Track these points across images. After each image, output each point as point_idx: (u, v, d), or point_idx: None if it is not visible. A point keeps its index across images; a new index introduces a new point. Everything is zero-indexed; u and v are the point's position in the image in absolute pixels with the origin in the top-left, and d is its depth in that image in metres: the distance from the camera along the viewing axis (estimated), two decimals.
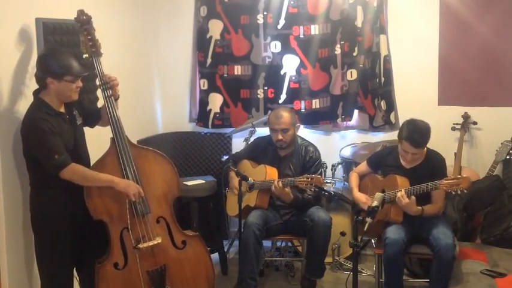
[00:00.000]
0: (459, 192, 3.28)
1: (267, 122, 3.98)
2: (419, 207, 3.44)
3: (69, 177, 2.85)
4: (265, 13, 4.71)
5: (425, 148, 3.58)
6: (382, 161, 3.74)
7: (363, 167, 3.86)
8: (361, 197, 3.70)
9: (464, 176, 3.25)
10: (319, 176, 3.63)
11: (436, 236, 3.35)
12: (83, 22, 3.05)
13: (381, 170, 3.76)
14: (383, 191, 3.51)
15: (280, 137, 3.83)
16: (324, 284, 4.06)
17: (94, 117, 3.21)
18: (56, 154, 2.79)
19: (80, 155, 3.03)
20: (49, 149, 2.79)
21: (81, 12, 3.05)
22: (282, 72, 4.78)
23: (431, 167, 3.53)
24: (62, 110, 2.96)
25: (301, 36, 4.70)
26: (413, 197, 3.39)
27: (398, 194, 3.39)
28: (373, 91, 4.70)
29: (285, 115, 3.83)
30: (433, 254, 3.36)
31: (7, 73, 2.89)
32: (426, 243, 3.45)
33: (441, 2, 4.52)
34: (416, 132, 3.45)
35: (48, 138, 2.79)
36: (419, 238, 3.50)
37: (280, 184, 3.66)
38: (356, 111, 4.78)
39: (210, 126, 4.93)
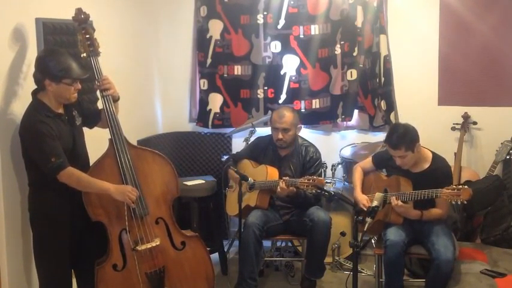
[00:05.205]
0: (459, 202, 3.26)
1: (270, 121, 3.97)
2: (418, 212, 3.40)
3: (65, 180, 2.84)
4: (265, 13, 4.71)
5: (431, 153, 3.52)
6: (387, 162, 3.66)
7: (368, 163, 3.78)
8: (362, 199, 3.61)
9: (466, 187, 3.20)
10: (321, 178, 3.62)
11: (436, 248, 3.30)
12: (81, 21, 3.03)
13: (386, 169, 3.71)
14: (385, 191, 3.49)
15: (280, 136, 3.82)
16: (324, 284, 4.06)
17: (93, 118, 3.20)
18: (53, 157, 2.78)
19: (79, 155, 3.03)
20: (47, 152, 2.78)
21: (79, 11, 3.03)
22: (282, 72, 4.77)
23: (436, 174, 3.45)
24: (61, 110, 2.95)
25: (301, 36, 4.69)
26: (409, 202, 3.36)
27: (393, 200, 3.36)
28: (373, 91, 4.69)
29: (288, 115, 3.82)
30: (432, 263, 3.32)
31: (2, 73, 2.87)
32: (426, 248, 3.43)
33: (441, 2, 4.51)
34: (393, 134, 3.39)
35: (47, 141, 2.78)
36: (419, 240, 3.48)
37: (285, 185, 3.64)
38: (356, 111, 4.78)
39: (210, 126, 4.93)
